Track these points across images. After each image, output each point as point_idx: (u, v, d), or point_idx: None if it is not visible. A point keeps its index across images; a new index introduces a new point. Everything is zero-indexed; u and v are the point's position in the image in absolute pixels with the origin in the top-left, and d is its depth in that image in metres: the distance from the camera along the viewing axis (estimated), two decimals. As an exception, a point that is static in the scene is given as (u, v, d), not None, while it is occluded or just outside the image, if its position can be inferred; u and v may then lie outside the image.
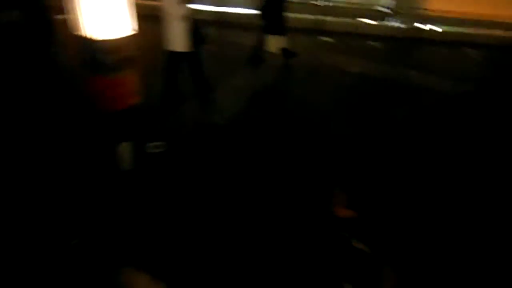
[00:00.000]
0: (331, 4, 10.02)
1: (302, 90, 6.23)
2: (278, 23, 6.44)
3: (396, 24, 9.22)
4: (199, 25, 4.98)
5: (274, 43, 6.43)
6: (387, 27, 9.29)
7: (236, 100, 5.71)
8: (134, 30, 3.87)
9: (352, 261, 2.08)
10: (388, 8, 9.72)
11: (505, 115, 5.62)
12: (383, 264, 2.08)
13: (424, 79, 6.74)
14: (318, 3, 9.64)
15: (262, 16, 6.45)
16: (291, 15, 7.86)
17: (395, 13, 9.42)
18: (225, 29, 8.70)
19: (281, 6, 6.47)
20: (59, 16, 5.49)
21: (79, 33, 3.66)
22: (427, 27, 9.05)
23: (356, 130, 5.06)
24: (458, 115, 5.59)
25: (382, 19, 9.46)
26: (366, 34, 8.90)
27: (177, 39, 4.90)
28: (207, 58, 5.27)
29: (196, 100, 5.31)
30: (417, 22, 9.05)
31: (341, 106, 5.71)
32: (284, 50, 6.64)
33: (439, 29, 9.01)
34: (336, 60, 7.33)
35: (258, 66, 6.69)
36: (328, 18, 9.39)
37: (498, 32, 8.87)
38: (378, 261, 2.08)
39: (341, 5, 9.82)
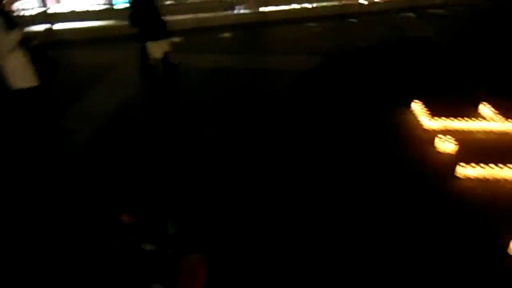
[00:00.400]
0: (175, 2, 9.76)
1: (159, 96, 5.91)
2: (156, 26, 5.95)
3: (243, 11, 9.42)
4: (46, 49, 4.31)
5: (157, 49, 5.97)
6: (235, 15, 9.43)
7: (91, 123, 5.10)
8: None
9: (147, 262, 2.14)
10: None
11: (357, 82, 6.08)
12: (180, 257, 2.19)
13: (277, 60, 6.96)
14: (162, 3, 9.29)
15: (132, 23, 5.92)
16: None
17: (239, 2, 9.62)
18: (82, 47, 7.80)
19: (153, 8, 5.96)
20: None
21: None
22: (272, 9, 9.45)
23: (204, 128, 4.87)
24: (311, 91, 5.87)
25: (229, 8, 9.59)
26: (216, 26, 8.88)
27: (15, 73, 4.08)
28: (59, 86, 4.63)
29: (45, 136, 4.63)
30: (260, 6, 9.37)
31: (195, 106, 5.49)
32: (166, 55, 6.18)
33: (283, 8, 9.50)
34: (190, 59, 7.12)
35: (147, 76, 6.16)
36: (175, 17, 9.11)
37: (334, 2, 9.71)
38: (173, 256, 2.17)
39: (186, 2, 9.65)
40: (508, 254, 2.99)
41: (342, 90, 5.75)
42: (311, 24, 8.85)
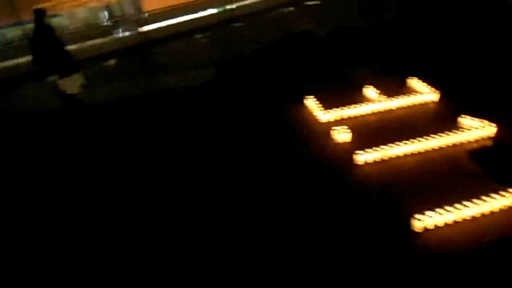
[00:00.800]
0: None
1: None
2: (65, 61, 5.52)
3: (123, 34, 8.89)
4: None
5: (72, 84, 5.52)
6: (117, 40, 8.86)
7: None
8: None
9: None
10: (110, 21, 9.29)
11: (250, 85, 6.05)
12: None
13: (170, 79, 6.64)
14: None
15: (36, 63, 5.44)
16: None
17: (120, 24, 9.09)
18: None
19: (57, 42, 5.47)
20: None
21: None
22: (152, 27, 9.04)
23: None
24: (207, 103, 5.69)
25: (109, 34, 8.99)
26: (98, 55, 8.22)
27: None
28: None
29: None
30: (141, 26, 8.93)
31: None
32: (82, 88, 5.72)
33: (166, 24, 9.15)
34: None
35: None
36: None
37: (216, 9, 9.62)
38: None
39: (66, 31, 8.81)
40: (411, 231, 3.14)
41: (237, 96, 5.69)
42: (198, 35, 8.67)
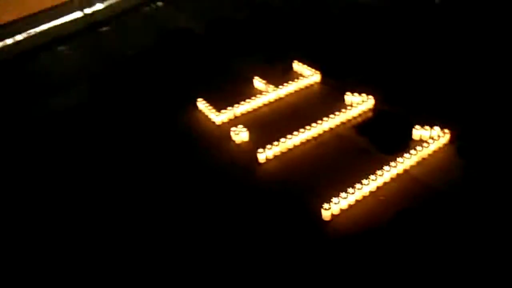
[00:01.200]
0: None
1: None
2: None
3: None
4: None
5: None
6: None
7: None
8: None
9: None
10: None
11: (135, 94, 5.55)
12: None
13: (31, 109, 5.68)
14: None
15: None
16: None
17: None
18: None
19: None
20: None
21: None
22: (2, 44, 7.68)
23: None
24: (91, 122, 5.08)
25: None
26: None
27: None
28: None
29: None
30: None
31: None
32: None
33: (16, 39, 7.84)
34: None
35: None
36: None
37: (76, 14, 8.56)
38: None
39: None
40: (323, 220, 3.26)
41: (121, 112, 5.21)
42: (60, 47, 7.62)
